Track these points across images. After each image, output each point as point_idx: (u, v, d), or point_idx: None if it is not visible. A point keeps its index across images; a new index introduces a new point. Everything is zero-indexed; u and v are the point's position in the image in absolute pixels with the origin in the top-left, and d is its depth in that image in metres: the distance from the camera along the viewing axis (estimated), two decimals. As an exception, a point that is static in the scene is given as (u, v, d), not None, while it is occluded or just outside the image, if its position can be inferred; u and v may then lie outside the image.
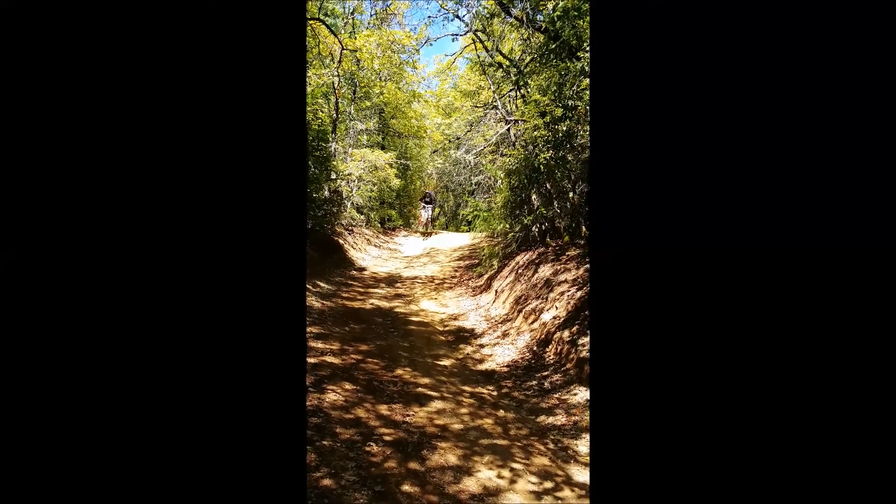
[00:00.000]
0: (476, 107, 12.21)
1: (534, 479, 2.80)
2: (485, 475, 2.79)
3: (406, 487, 2.60)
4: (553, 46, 6.39)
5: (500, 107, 9.38)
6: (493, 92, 9.65)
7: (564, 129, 6.11)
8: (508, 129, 8.82)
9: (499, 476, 2.80)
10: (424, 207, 15.59)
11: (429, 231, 14.92)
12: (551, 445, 3.34)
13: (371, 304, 7.32)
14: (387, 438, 3.13)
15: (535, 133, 6.51)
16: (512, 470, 2.88)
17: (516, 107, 8.91)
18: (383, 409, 3.62)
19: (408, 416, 3.55)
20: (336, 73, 10.97)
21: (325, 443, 2.94)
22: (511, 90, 9.14)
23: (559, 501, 2.60)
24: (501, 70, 9.07)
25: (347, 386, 3.94)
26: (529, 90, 7.60)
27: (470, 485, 2.68)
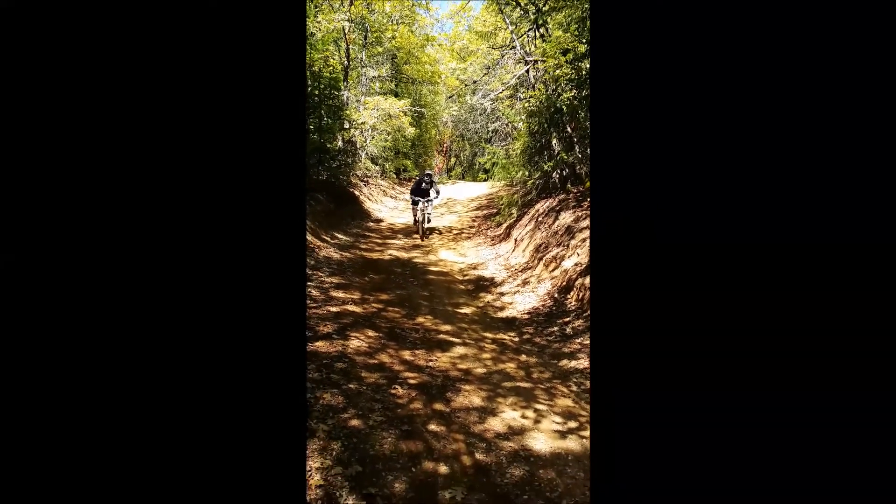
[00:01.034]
0: (493, 48, 11.69)
1: (558, 419, 2.83)
2: (509, 415, 2.83)
3: (433, 427, 2.64)
4: (575, -22, 5.98)
5: (518, 47, 8.94)
6: (511, 32, 9.18)
7: (588, 66, 5.80)
8: (527, 71, 8.44)
9: (523, 416, 2.83)
10: (416, 201, 8.48)
11: (424, 231, 8.61)
12: (574, 388, 3.35)
13: (389, 254, 7.32)
14: (411, 382, 3.17)
15: (558, 72, 6.21)
16: (536, 411, 2.90)
17: (535, 46, 8.49)
18: (406, 354, 3.65)
19: (431, 360, 3.59)
20: (347, 17, 10.54)
21: (351, 386, 2.99)
22: (529, 29, 8.67)
23: (584, 440, 2.63)
24: (519, 9, 8.57)
25: (370, 333, 3.98)
26: (549, 28, 7.19)
27: (495, 424, 2.72)
